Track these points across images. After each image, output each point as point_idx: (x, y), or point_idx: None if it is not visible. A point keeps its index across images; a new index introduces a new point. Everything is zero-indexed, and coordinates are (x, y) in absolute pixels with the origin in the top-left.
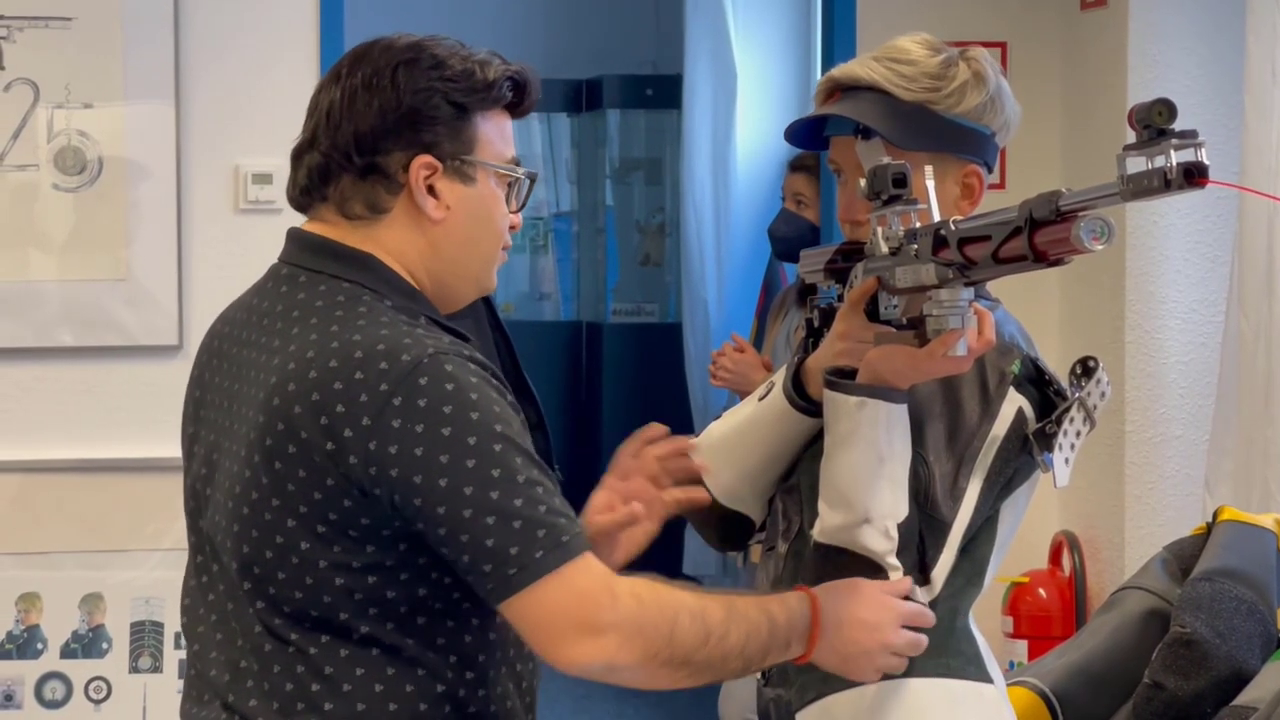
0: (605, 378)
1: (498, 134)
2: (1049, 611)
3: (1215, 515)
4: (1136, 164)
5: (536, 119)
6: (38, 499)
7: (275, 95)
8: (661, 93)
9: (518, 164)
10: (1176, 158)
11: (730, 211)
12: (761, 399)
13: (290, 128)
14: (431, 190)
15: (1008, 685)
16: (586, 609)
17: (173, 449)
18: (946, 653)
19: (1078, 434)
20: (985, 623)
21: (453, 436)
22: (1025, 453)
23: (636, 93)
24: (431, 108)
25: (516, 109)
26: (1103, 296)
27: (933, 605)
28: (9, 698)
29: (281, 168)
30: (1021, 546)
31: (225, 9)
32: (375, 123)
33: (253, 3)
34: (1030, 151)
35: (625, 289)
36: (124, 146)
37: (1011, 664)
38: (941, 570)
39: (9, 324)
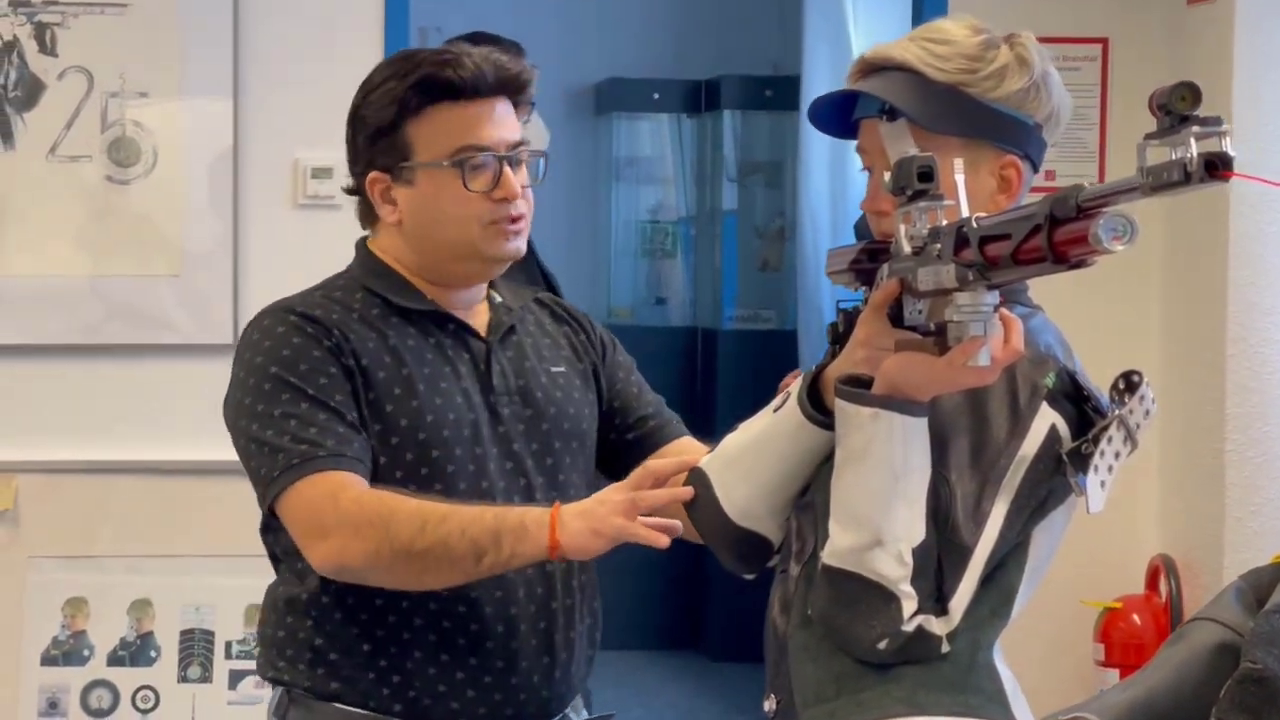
0: (720, 385)
1: (440, 130)
2: (1143, 639)
3: None
4: (1159, 155)
5: (653, 119)
6: (86, 501)
7: (337, 85)
8: (781, 94)
9: (475, 148)
10: (1197, 147)
11: (848, 216)
12: (777, 410)
13: None
14: (393, 198)
15: (1063, 719)
16: (313, 516)
17: (225, 452)
18: (965, 690)
19: (1116, 455)
20: (1075, 650)
21: (239, 376)
22: (1059, 474)
23: (755, 94)
24: (365, 130)
25: (467, 93)
26: (1204, 307)
27: (951, 637)
28: (54, 705)
29: (343, 161)
30: (1115, 570)
31: None
32: (348, 151)
33: None
34: (1133, 153)
35: (743, 295)
36: (180, 138)
37: (1101, 693)
38: (961, 599)
39: (58, 319)
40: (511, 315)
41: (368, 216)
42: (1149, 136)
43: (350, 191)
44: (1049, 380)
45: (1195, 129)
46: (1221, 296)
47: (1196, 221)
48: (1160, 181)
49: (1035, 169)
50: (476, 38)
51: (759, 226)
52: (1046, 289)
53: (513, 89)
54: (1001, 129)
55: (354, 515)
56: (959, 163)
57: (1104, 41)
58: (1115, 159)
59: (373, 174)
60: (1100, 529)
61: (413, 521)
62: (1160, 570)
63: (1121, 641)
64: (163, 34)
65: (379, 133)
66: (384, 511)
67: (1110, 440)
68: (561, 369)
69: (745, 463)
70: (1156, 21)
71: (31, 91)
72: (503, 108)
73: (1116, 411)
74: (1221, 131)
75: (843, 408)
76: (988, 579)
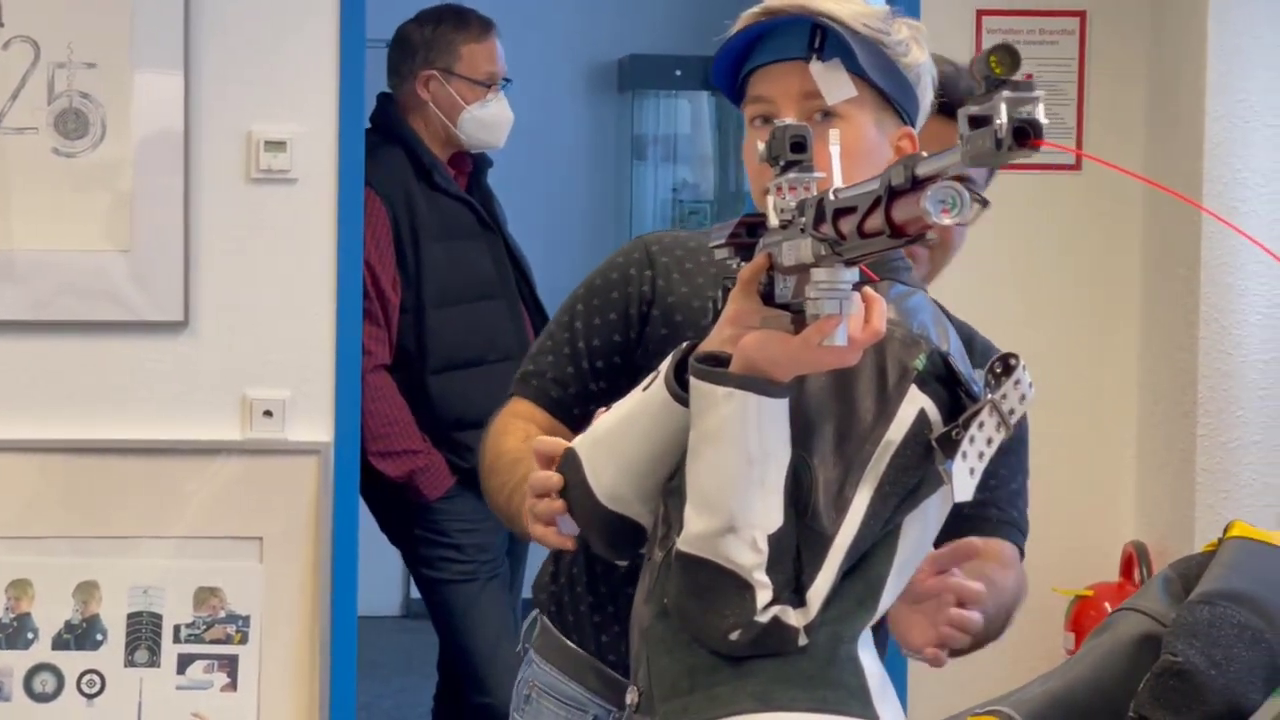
0: None
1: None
2: None
3: (1226, 530)
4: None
5: (676, 96)
6: (31, 480)
7: (293, 56)
8: None
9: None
10: (1007, 114)
11: None
12: (646, 389)
13: (309, 90)
14: None
15: (980, 713)
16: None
17: (176, 431)
18: (824, 684)
19: (988, 441)
20: (1046, 639)
21: None
22: (929, 460)
23: None
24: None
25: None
26: (1177, 289)
27: (810, 629)
28: None
29: (298, 134)
30: (1088, 557)
31: None
32: None
33: None
34: (1112, 128)
35: None
36: (129, 109)
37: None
38: (819, 590)
39: (3, 295)
40: None
41: None
42: (970, 103)
43: None
44: (919, 362)
45: (1007, 94)
46: (1194, 278)
47: (1172, 201)
48: (976, 151)
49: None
50: (442, 12)
51: None
52: (1027, 273)
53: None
54: (907, 96)
55: (487, 433)
56: (834, 133)
57: (1082, 14)
58: (1093, 134)
59: None
60: (1075, 515)
61: (491, 462)
62: (1133, 557)
63: (1092, 630)
64: (112, 3)
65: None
66: (486, 443)
67: (981, 426)
68: None
69: (612, 443)
70: None
71: None
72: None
73: (989, 396)
74: (1035, 97)
75: (697, 386)
76: (853, 569)
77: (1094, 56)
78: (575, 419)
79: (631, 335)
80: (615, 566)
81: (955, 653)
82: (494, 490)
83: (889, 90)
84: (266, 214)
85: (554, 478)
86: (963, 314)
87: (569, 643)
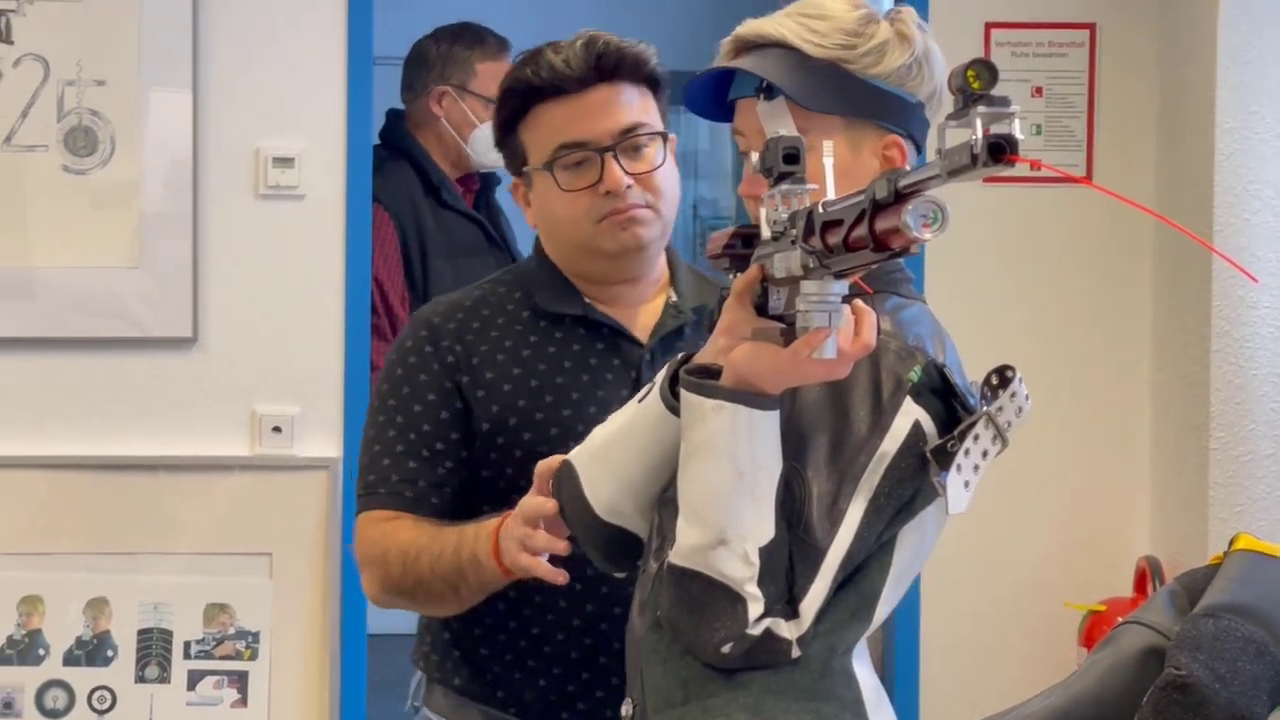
0: None
1: (542, 131)
2: None
3: (1231, 543)
4: (957, 137)
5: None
6: (41, 497)
7: (300, 72)
8: None
9: (571, 145)
10: (983, 129)
11: None
12: (641, 400)
13: (316, 107)
14: (529, 200)
15: None
16: (358, 548)
17: (185, 447)
18: (817, 696)
19: (984, 454)
20: (1058, 654)
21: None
22: (924, 473)
23: None
24: (499, 140)
25: (556, 89)
26: (1189, 301)
27: (803, 641)
28: (8, 705)
29: (305, 150)
30: (1100, 571)
31: None
32: None
33: None
34: (1123, 141)
35: None
36: (138, 126)
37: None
38: (813, 602)
39: (14, 312)
40: (680, 317)
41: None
42: (950, 118)
43: None
44: (914, 374)
45: (982, 109)
46: (1206, 290)
47: (1182, 213)
48: (953, 166)
49: (919, 150)
50: (459, 29)
51: None
52: (1037, 285)
53: (618, 72)
54: (883, 107)
55: (365, 553)
56: (829, 145)
57: (1091, 27)
58: (1104, 148)
59: (514, 180)
60: (1087, 530)
61: (400, 559)
62: (1147, 572)
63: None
64: (121, 20)
65: (501, 141)
66: (377, 552)
67: (977, 438)
68: None
69: (609, 456)
70: (1146, 5)
71: None
72: (606, 94)
73: (985, 408)
74: (1010, 113)
75: (687, 398)
76: (848, 580)
77: (1104, 68)
78: (435, 508)
79: (457, 406)
80: (498, 630)
81: None
82: (430, 564)
83: (852, 112)
84: (275, 230)
85: (548, 504)
86: (971, 327)
87: (466, 699)
